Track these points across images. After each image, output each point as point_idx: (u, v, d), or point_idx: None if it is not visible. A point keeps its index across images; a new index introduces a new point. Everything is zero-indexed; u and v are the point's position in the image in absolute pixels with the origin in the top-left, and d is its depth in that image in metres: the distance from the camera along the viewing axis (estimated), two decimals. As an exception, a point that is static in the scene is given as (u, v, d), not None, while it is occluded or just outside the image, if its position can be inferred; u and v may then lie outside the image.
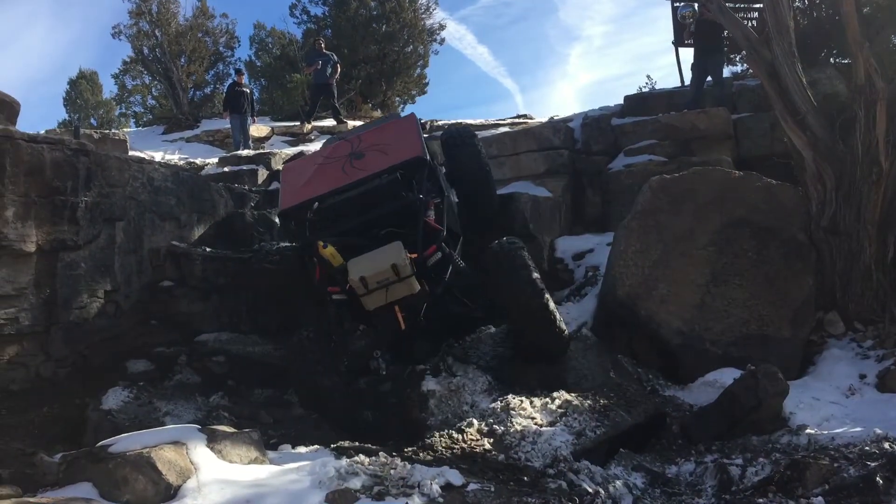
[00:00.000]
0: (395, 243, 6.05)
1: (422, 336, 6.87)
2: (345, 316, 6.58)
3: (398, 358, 7.02)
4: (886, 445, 4.75)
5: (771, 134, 10.25)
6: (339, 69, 16.88)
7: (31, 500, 3.73)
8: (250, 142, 15.68)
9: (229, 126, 16.03)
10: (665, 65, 65.89)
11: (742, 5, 13.18)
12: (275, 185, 11.24)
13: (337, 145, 7.65)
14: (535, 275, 6.48)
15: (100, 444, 4.55)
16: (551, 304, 6.58)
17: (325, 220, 6.73)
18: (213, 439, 4.60)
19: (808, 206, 7.76)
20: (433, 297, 6.31)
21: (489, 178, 8.48)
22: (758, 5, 12.30)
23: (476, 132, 9.26)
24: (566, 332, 6.90)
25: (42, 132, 10.87)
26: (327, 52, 16.81)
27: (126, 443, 4.40)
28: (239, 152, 14.28)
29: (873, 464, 4.48)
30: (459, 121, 16.74)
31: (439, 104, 56.58)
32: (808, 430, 5.55)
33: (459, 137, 8.30)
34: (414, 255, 6.04)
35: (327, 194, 6.81)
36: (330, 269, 6.26)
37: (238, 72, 17.41)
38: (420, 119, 8.08)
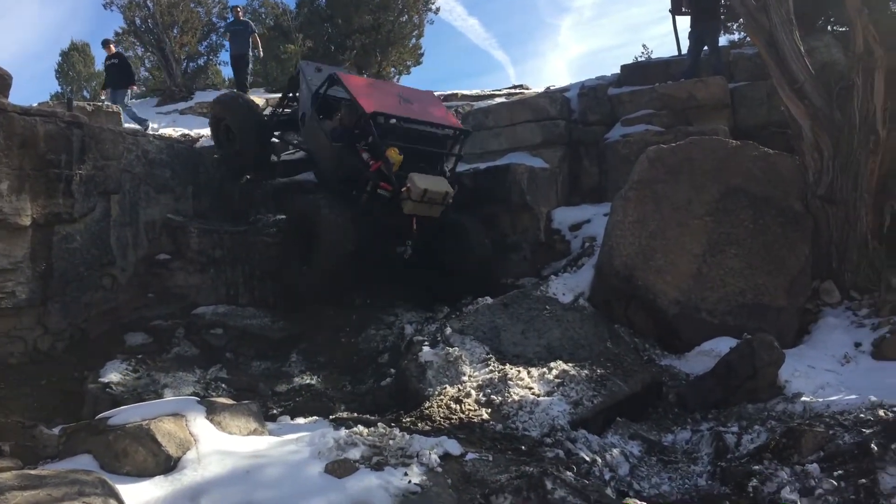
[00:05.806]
0: (443, 178, 8.18)
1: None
2: (376, 204, 8.21)
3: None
4: (881, 412, 4.76)
5: (768, 103, 10.16)
6: (257, 40, 15.10)
7: (32, 472, 3.74)
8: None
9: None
10: (656, 35, 65.07)
11: (740, -28, 12.99)
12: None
13: (376, 81, 9.18)
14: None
15: (99, 416, 4.59)
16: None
17: (387, 134, 8.37)
18: (212, 411, 4.64)
19: (805, 175, 7.74)
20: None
21: None
22: (756, -28, 12.15)
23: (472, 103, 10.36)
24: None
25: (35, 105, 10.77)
26: (244, 21, 15.30)
27: (125, 415, 4.43)
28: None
29: (868, 431, 4.51)
30: (454, 92, 16.59)
31: (432, 76, 56.02)
32: (803, 398, 5.56)
33: None
34: None
35: (403, 118, 8.48)
36: (388, 170, 7.91)
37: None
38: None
